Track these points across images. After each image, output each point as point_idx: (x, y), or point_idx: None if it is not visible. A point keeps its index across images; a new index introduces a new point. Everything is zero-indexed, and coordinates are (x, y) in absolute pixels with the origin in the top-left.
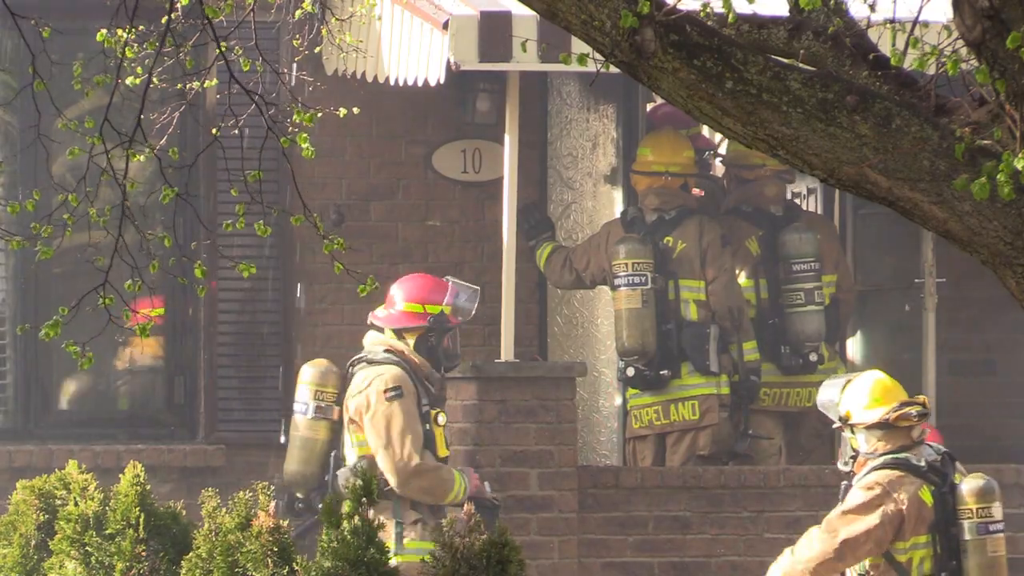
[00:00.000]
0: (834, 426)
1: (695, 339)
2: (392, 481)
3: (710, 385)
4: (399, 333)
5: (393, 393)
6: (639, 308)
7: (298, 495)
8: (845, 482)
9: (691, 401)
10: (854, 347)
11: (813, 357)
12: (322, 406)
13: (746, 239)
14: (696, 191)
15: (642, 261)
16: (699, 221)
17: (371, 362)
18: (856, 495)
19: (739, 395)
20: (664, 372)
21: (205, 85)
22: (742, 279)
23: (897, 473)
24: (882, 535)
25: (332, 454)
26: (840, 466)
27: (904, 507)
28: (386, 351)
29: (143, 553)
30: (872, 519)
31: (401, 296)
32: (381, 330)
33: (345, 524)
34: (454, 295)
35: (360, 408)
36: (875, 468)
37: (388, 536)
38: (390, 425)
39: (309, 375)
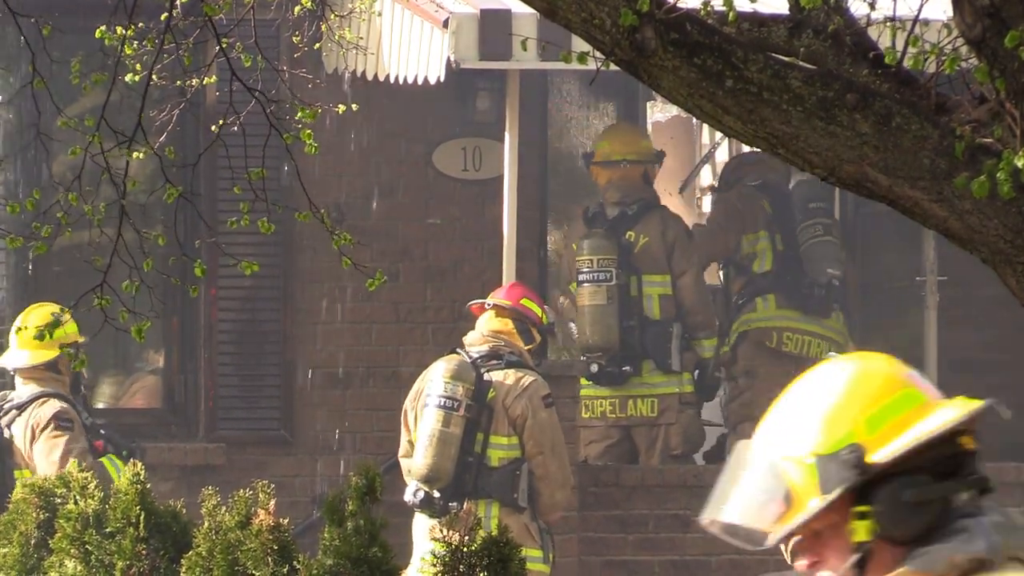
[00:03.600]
0: None
1: (658, 337)
2: (565, 490)
3: (671, 384)
4: (523, 329)
5: (551, 400)
6: (604, 305)
7: (435, 493)
8: None
9: (651, 399)
10: (856, 345)
11: (836, 283)
12: (468, 403)
13: (759, 201)
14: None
15: (606, 257)
16: (661, 215)
17: (510, 364)
18: None
19: (700, 391)
20: (626, 368)
21: (205, 82)
22: (761, 234)
23: None
24: None
25: (454, 452)
26: None
27: None
28: (511, 352)
29: (143, 552)
30: None
31: (520, 293)
32: (498, 316)
33: (348, 522)
34: (552, 315)
35: (524, 413)
36: None
37: (534, 542)
38: (556, 433)
39: (451, 371)
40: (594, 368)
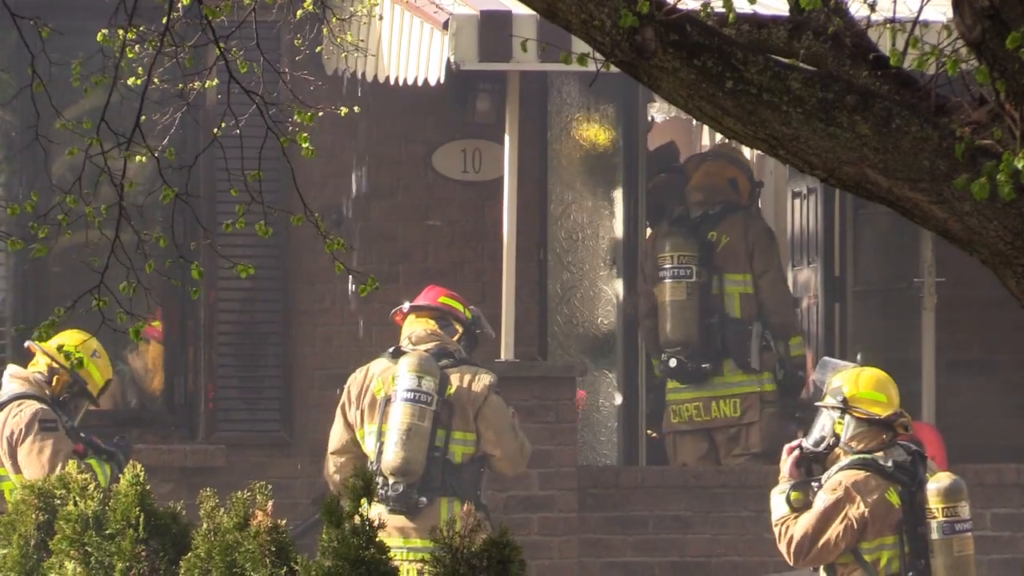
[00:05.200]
0: (822, 403)
1: (738, 336)
2: (510, 464)
3: (752, 383)
4: (445, 326)
5: (499, 388)
6: (684, 300)
7: (406, 485)
8: (815, 484)
9: (733, 399)
10: (855, 346)
11: (673, 363)
12: (437, 397)
13: None
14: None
15: (687, 254)
16: (744, 216)
17: (461, 360)
18: (821, 498)
19: (786, 390)
20: (705, 366)
21: (205, 86)
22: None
23: (863, 474)
24: (850, 537)
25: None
26: (809, 444)
27: (867, 509)
28: (457, 349)
29: (143, 553)
30: (836, 523)
31: (437, 293)
32: (426, 318)
33: (346, 523)
34: (476, 311)
35: (478, 402)
36: (842, 468)
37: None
38: (508, 417)
39: (421, 365)
40: (673, 363)
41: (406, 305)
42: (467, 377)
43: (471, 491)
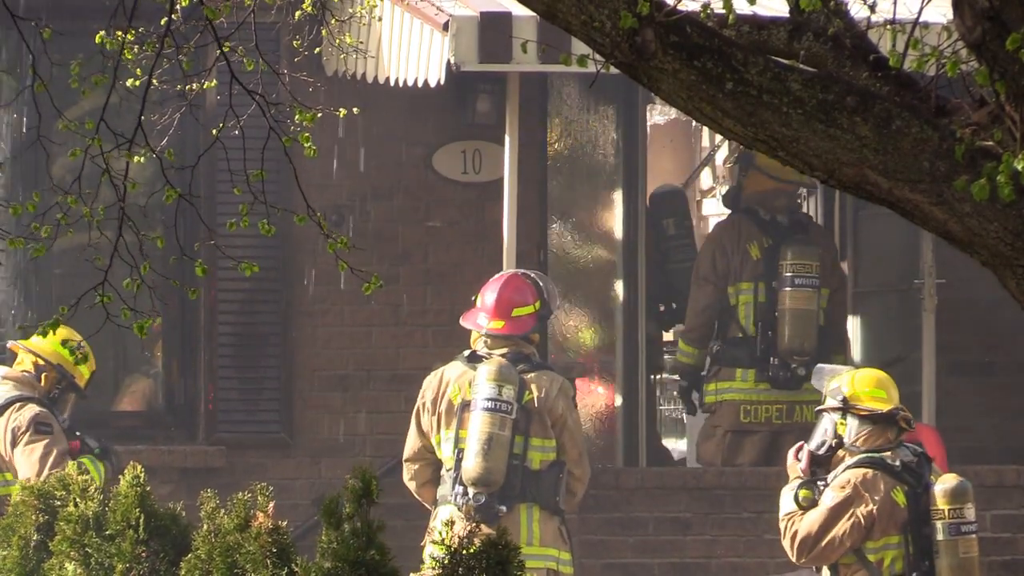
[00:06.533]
0: (823, 407)
1: (828, 346)
2: (584, 485)
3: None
4: (526, 338)
5: (576, 400)
6: (814, 310)
7: (488, 495)
8: (821, 483)
9: (815, 405)
10: (854, 347)
11: (801, 371)
12: (516, 405)
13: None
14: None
15: (813, 263)
16: (824, 231)
17: (538, 366)
18: (829, 496)
19: None
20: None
21: (205, 86)
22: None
23: (871, 472)
24: (856, 536)
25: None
26: (813, 448)
27: (875, 507)
28: (532, 353)
29: (143, 554)
30: (843, 521)
31: (506, 307)
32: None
33: (346, 525)
34: (547, 291)
35: (564, 414)
36: (849, 467)
37: (566, 545)
38: (581, 431)
39: (501, 373)
40: (801, 371)
41: (483, 327)
42: (544, 384)
43: (550, 497)
